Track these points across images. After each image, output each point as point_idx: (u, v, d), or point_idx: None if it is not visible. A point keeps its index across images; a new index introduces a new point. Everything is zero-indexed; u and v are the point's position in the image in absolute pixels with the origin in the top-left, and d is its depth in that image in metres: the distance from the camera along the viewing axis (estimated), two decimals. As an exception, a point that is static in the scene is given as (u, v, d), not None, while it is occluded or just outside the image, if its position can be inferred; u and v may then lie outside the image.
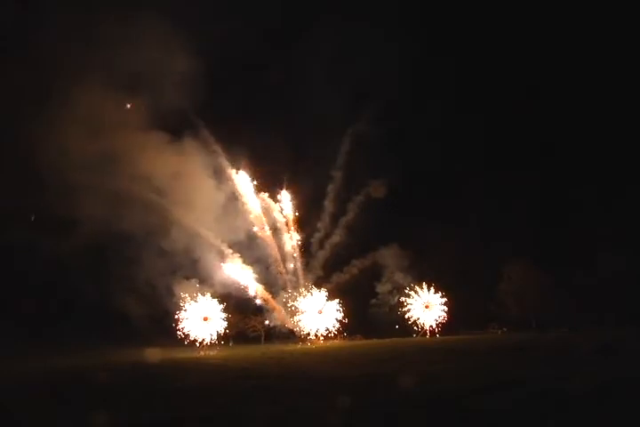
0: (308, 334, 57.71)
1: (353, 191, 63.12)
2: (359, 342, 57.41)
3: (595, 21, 59.41)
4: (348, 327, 58.63)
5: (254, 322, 60.25)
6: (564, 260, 56.02)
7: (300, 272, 62.82)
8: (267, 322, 60.47)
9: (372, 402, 21.24)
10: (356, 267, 62.09)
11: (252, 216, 61.14)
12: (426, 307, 59.16)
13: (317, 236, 62.81)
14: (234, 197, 60.61)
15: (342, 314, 57.76)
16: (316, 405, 21.29)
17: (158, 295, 53.15)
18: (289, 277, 62.43)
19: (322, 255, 62.51)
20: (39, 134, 49.66)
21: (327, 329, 57.84)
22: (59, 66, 51.32)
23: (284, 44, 63.96)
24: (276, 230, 62.71)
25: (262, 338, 60.95)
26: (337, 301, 57.96)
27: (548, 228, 58.86)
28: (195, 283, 54.88)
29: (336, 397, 21.46)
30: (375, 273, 62.69)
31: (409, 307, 59.30)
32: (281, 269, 62.26)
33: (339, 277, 61.57)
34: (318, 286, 59.34)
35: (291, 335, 59.87)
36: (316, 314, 57.95)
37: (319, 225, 62.89)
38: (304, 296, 58.53)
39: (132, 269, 51.74)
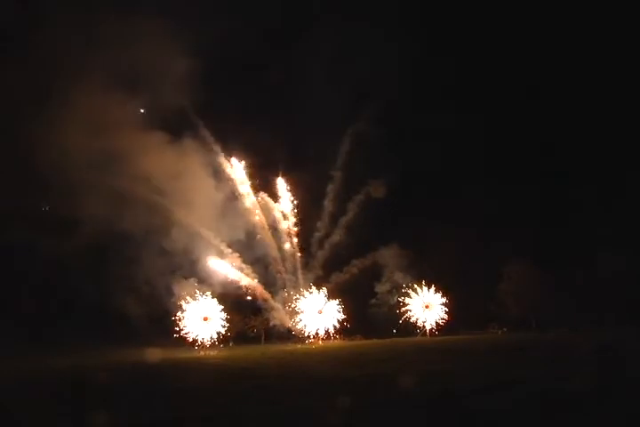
0: (308, 335, 57.70)
1: (353, 191, 63.10)
2: (359, 342, 57.41)
3: (594, 21, 59.41)
4: (348, 327, 58.65)
5: (254, 322, 60.24)
6: (564, 260, 55.99)
7: (300, 272, 62.88)
8: (267, 322, 60.45)
9: (371, 402, 21.24)
10: (355, 267, 62.02)
11: (251, 215, 61.18)
12: (426, 307, 59.14)
13: (317, 235, 62.83)
14: (233, 197, 60.78)
15: (342, 314, 57.79)
16: (316, 405, 21.29)
17: (158, 295, 53.18)
18: (288, 276, 62.47)
19: (321, 255, 62.47)
20: (39, 134, 49.67)
21: (327, 329, 57.85)
22: (58, 65, 51.37)
23: (284, 44, 63.93)
24: (275, 229, 62.78)
25: (262, 338, 60.94)
26: (337, 301, 57.99)
27: (547, 228, 58.81)
28: (194, 282, 54.95)
29: (336, 397, 21.46)
30: (375, 273, 62.67)
31: (409, 307, 59.28)
32: (280, 268, 62.32)
33: (338, 277, 61.56)
34: (318, 285, 59.36)
35: (290, 335, 59.85)
36: (316, 314, 57.95)
37: (319, 225, 62.91)
38: (304, 296, 58.53)
39: (131, 269, 51.75)
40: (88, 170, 51.48)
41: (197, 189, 57.20)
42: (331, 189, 63.35)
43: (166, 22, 51.08)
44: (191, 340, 53.07)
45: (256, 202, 61.90)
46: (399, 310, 59.47)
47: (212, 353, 50.67)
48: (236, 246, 58.70)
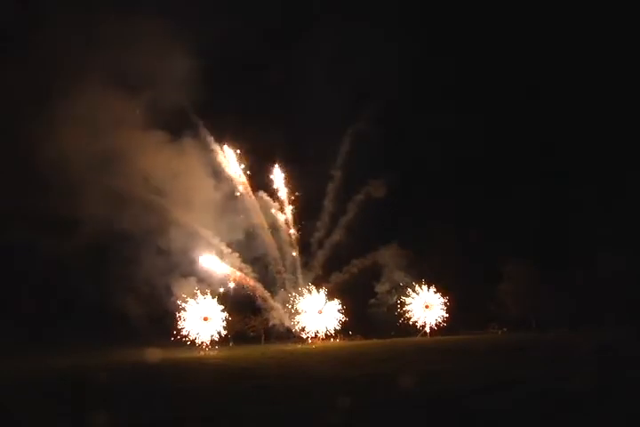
0: (308, 335, 57.70)
1: (353, 191, 63.13)
2: (359, 342, 57.44)
3: (595, 22, 59.42)
4: (348, 327, 58.64)
5: (254, 322, 60.25)
6: (564, 260, 56.00)
7: (300, 271, 62.90)
8: (266, 322, 60.45)
9: (371, 402, 21.23)
10: (355, 267, 62.04)
11: (250, 214, 61.22)
12: (426, 307, 59.15)
13: (317, 235, 62.85)
14: (233, 196, 60.81)
15: (342, 314, 57.79)
16: (316, 405, 21.29)
17: (158, 295, 53.20)
18: (288, 276, 62.47)
19: (321, 255, 62.54)
20: (39, 134, 49.68)
21: (327, 329, 57.85)
22: (58, 65, 51.37)
23: (284, 44, 63.98)
24: (275, 229, 62.81)
25: (262, 338, 60.96)
26: (337, 301, 57.99)
27: (547, 228, 58.81)
28: (194, 282, 54.96)
29: (336, 397, 21.46)
30: (375, 273, 62.70)
31: (409, 307, 59.27)
32: (280, 268, 62.33)
33: (338, 277, 61.57)
34: (317, 285, 59.37)
35: (290, 335, 59.86)
36: (316, 314, 57.96)
37: (319, 224, 62.95)
38: (304, 296, 58.53)
39: (131, 269, 51.74)
40: (88, 170, 51.50)
41: (197, 189, 57.21)
42: (331, 188, 63.45)
43: (166, 22, 51.13)
44: (191, 340, 53.07)
45: (255, 201, 61.94)
46: (399, 310, 59.48)
47: (212, 353, 50.67)
48: (235, 246, 58.78)
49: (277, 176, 63.03)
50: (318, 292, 58.33)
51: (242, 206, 61.03)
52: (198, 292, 54.16)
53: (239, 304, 58.51)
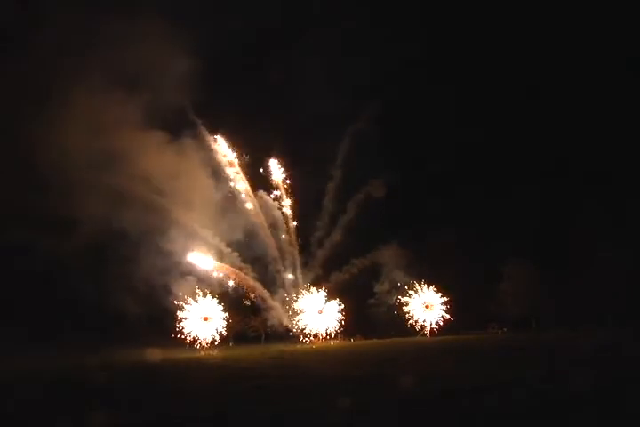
0: (309, 335, 57.69)
1: (353, 190, 63.15)
2: (359, 342, 57.44)
3: (595, 23, 59.50)
4: (348, 327, 58.63)
5: (254, 322, 60.25)
6: (564, 260, 55.99)
7: (299, 271, 62.90)
8: (266, 322, 60.46)
9: (372, 402, 21.23)
10: (355, 266, 62.05)
11: (250, 214, 61.24)
12: (426, 307, 59.13)
13: (317, 235, 62.87)
14: (232, 196, 60.83)
15: (342, 314, 57.78)
16: (316, 405, 21.29)
17: (158, 295, 53.20)
18: (288, 275, 62.46)
19: (321, 254, 62.55)
20: (39, 134, 49.66)
21: (327, 329, 57.84)
22: (58, 65, 51.35)
23: (284, 44, 64.00)
24: (275, 228, 62.85)
25: (262, 338, 60.96)
26: (337, 301, 57.97)
27: (547, 228, 58.82)
28: (193, 282, 54.96)
29: (336, 397, 21.46)
30: (375, 273, 62.69)
31: (408, 307, 59.26)
32: (280, 267, 62.34)
33: (338, 277, 61.58)
34: (317, 285, 59.35)
35: (290, 335, 59.84)
36: (316, 314, 57.95)
37: (318, 224, 62.98)
38: (304, 296, 58.53)
39: (131, 269, 51.65)
40: (88, 170, 51.50)
41: (196, 189, 57.22)
42: (331, 188, 63.48)
43: (166, 22, 51.14)
44: (191, 340, 53.07)
45: (255, 200, 61.98)
46: (399, 310, 59.47)
47: (212, 353, 50.66)
48: (235, 246, 58.78)
49: (274, 169, 63.14)
50: (318, 291, 58.32)
51: (241, 206, 61.11)
52: (199, 292, 54.12)
53: (239, 304, 58.54)
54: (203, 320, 53.66)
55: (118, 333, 54.00)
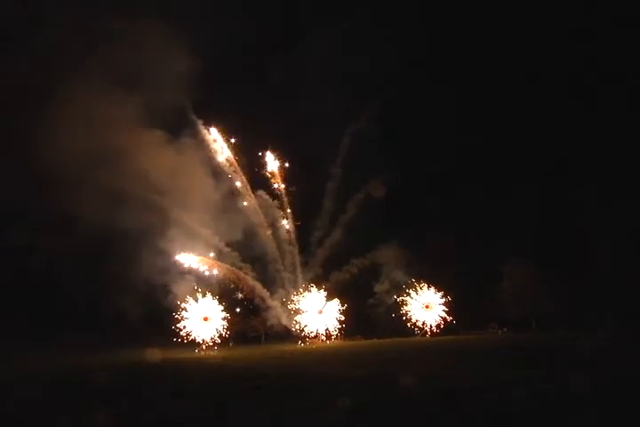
0: (308, 335, 57.69)
1: (352, 190, 63.16)
2: (359, 342, 57.44)
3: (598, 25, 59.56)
4: (348, 327, 58.62)
5: (254, 322, 60.24)
6: (563, 260, 55.99)
7: (299, 270, 62.88)
8: (265, 321, 60.46)
9: (372, 402, 21.23)
10: (355, 266, 62.07)
11: (250, 213, 61.27)
12: (426, 307, 59.13)
13: (316, 234, 62.88)
14: (232, 196, 60.88)
15: (342, 314, 57.77)
16: (316, 405, 21.28)
17: (158, 295, 53.22)
18: (287, 275, 62.46)
19: (321, 254, 62.57)
20: (38, 134, 49.69)
21: (327, 329, 57.84)
22: (58, 65, 51.37)
23: (284, 43, 64.03)
24: (275, 228, 62.83)
25: (262, 338, 60.96)
26: (337, 300, 57.96)
27: (548, 228, 58.82)
28: (193, 282, 54.97)
29: (336, 397, 21.46)
30: (375, 273, 62.68)
31: (409, 307, 59.25)
32: (279, 266, 62.33)
33: (338, 276, 61.59)
34: (317, 284, 59.36)
35: (290, 335, 59.84)
36: (317, 314, 57.95)
37: (318, 223, 62.99)
38: (304, 296, 58.52)
39: (131, 269, 51.66)
40: (88, 169, 51.52)
41: (196, 188, 57.23)
42: (330, 187, 63.50)
43: (166, 22, 51.19)
44: (191, 340, 53.07)
45: (255, 200, 61.99)
46: (399, 310, 59.44)
47: (212, 353, 50.66)
48: (234, 245, 58.79)
49: (270, 162, 63.18)
50: (318, 291, 58.31)
51: (241, 205, 61.14)
52: (198, 292, 54.12)
53: (239, 304, 58.56)
54: (203, 320, 53.64)
55: (118, 333, 54.01)
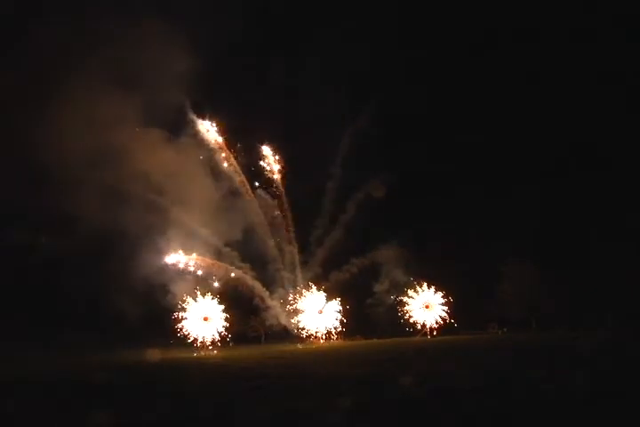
0: (308, 335, 57.68)
1: (352, 190, 63.17)
2: (359, 342, 57.43)
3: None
4: (348, 327, 58.63)
5: (254, 322, 60.23)
6: (563, 259, 56.00)
7: (299, 270, 62.88)
8: (265, 321, 60.46)
9: (372, 402, 21.22)
10: (355, 266, 62.08)
11: (249, 213, 61.28)
12: (426, 307, 59.12)
13: (316, 234, 62.89)
14: (232, 196, 60.92)
15: (342, 314, 57.75)
16: (316, 405, 21.27)
17: (158, 295, 53.23)
18: (287, 275, 62.44)
19: (320, 253, 62.59)
20: (38, 133, 49.69)
21: (327, 329, 57.82)
22: (57, 65, 51.37)
23: (285, 43, 64.02)
24: (274, 227, 62.85)
25: (262, 338, 60.95)
26: (337, 300, 57.95)
27: (547, 228, 58.83)
28: (193, 281, 54.94)
29: (336, 397, 21.44)
30: (375, 272, 62.71)
31: (408, 307, 59.24)
32: (279, 266, 62.31)
33: (337, 276, 61.58)
34: (317, 284, 59.36)
35: (290, 335, 59.85)
36: (316, 314, 57.94)
37: (318, 223, 63.00)
38: (303, 296, 58.52)
39: (130, 269, 51.78)
40: (87, 169, 51.56)
41: (195, 188, 57.28)
42: (330, 187, 63.52)
43: (166, 22, 51.19)
44: (191, 340, 53.06)
45: (254, 199, 61.98)
46: (399, 309, 59.45)
47: (212, 353, 50.65)
48: (234, 245, 58.81)
49: (270, 161, 63.17)
50: (318, 291, 58.29)
51: (240, 205, 61.17)
52: (198, 291, 54.13)
53: (239, 304, 58.53)
54: (203, 320, 53.63)
55: (118, 333, 53.98)
